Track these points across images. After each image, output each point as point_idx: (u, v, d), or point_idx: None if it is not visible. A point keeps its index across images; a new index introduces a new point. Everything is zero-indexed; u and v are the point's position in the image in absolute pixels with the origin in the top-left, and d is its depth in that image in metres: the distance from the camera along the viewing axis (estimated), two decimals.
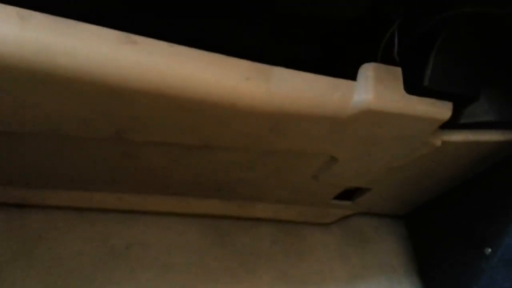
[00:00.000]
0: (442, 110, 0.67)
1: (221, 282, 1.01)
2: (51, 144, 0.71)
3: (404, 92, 0.64)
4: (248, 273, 1.03)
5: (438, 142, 0.75)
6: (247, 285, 1.02)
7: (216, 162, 0.80)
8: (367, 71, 0.64)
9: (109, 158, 0.77)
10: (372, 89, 0.63)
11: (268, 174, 0.87)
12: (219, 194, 0.97)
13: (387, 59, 0.64)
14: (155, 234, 1.01)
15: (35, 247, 0.92)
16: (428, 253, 1.10)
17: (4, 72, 0.49)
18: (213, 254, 1.03)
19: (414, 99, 0.65)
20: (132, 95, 0.55)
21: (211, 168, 0.83)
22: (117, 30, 0.52)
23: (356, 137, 0.71)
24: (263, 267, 1.05)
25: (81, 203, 0.96)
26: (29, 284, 0.89)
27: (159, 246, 1.01)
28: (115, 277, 0.94)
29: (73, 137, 0.67)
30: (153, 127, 0.64)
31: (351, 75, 0.64)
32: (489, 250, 0.84)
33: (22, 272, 0.90)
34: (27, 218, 0.95)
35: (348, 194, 1.04)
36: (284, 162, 0.81)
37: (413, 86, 0.65)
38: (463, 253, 0.96)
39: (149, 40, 0.53)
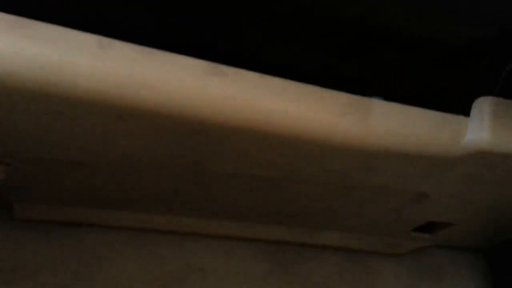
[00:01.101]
0: None
1: None
2: (118, 170, 0.66)
3: None
4: None
5: None
6: None
7: (291, 193, 0.72)
8: (483, 105, 0.54)
9: (178, 184, 0.72)
10: (489, 127, 0.54)
11: (345, 205, 0.78)
12: (286, 220, 0.90)
13: (507, 93, 0.55)
14: (215, 260, 0.95)
15: (91, 269, 0.88)
16: None
17: (81, 105, 0.43)
18: (274, 283, 0.96)
19: None
20: (219, 130, 0.48)
21: (285, 198, 0.76)
22: (204, 60, 0.45)
23: (458, 176, 0.62)
24: None
25: (140, 224, 0.91)
26: None
27: (220, 272, 0.94)
28: None
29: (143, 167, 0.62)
30: (235, 160, 0.58)
31: (463, 111, 0.55)
32: None
33: None
34: (84, 238, 0.91)
35: (429, 225, 0.94)
36: (366, 196, 0.73)
37: None
38: None
39: (238, 71, 0.46)
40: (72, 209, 0.85)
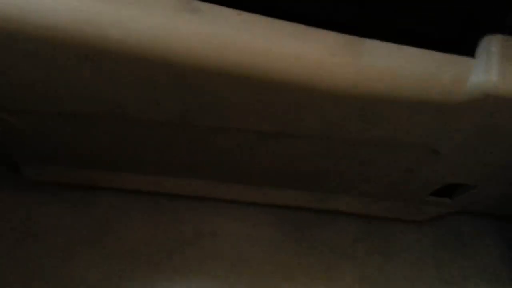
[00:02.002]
0: None
1: (295, 281, 0.92)
2: (120, 126, 0.65)
3: None
4: (327, 272, 0.93)
5: None
6: (325, 284, 0.92)
7: (294, 151, 0.69)
8: (490, 45, 0.50)
9: (178, 143, 0.70)
10: (497, 69, 0.49)
11: (354, 165, 0.75)
12: (298, 184, 0.87)
13: None
14: (227, 224, 0.94)
15: (103, 232, 0.89)
16: None
17: (51, 46, 0.42)
18: (288, 249, 0.94)
19: None
20: (195, 73, 0.46)
21: (289, 158, 0.73)
22: None
23: (468, 127, 0.57)
24: (343, 267, 0.94)
25: (151, 187, 0.90)
26: (97, 269, 0.86)
27: (231, 238, 0.93)
28: (183, 268, 0.89)
29: (139, 120, 0.60)
30: (219, 111, 0.55)
31: (468, 51, 0.50)
32: None
33: (90, 256, 0.87)
34: (96, 201, 0.91)
35: (448, 189, 0.89)
36: (374, 153, 0.69)
37: None
38: None
39: (214, 7, 0.44)
40: (81, 171, 0.86)
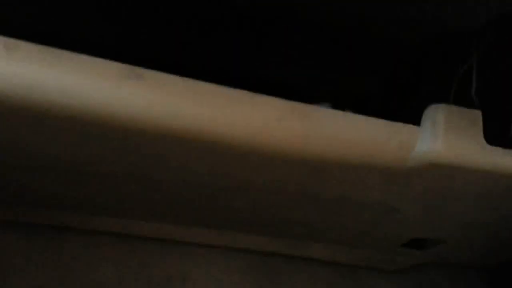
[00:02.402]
0: None
1: None
2: (79, 177, 0.66)
3: (483, 142, 0.50)
4: None
5: None
6: None
7: (257, 202, 0.70)
8: (436, 113, 0.50)
9: (141, 191, 0.71)
10: (442, 138, 0.50)
11: (320, 217, 0.75)
12: (268, 231, 0.87)
13: (461, 100, 0.51)
14: (197, 269, 0.93)
15: (71, 272, 0.89)
16: None
17: None
18: None
19: (498, 151, 0.51)
20: (138, 138, 0.47)
21: (254, 207, 0.73)
22: (119, 62, 0.44)
23: (421, 189, 0.58)
24: None
25: (121, 230, 0.90)
26: None
27: (201, 281, 0.93)
28: None
29: (95, 172, 0.61)
30: (167, 169, 0.56)
31: (413, 119, 0.51)
32: None
33: None
34: (65, 242, 0.91)
35: (421, 241, 0.89)
36: (338, 208, 0.70)
37: (497, 135, 0.50)
38: None
39: (157, 74, 0.45)
40: (53, 212, 0.86)
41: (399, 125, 0.51)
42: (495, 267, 0.96)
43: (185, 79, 0.46)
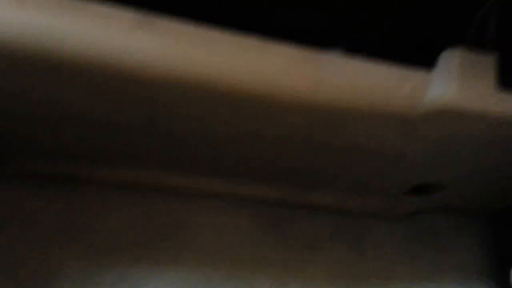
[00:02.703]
0: None
1: (271, 273, 0.93)
2: (92, 127, 0.66)
3: (495, 87, 0.50)
4: (302, 265, 0.95)
5: None
6: (301, 279, 0.94)
7: (267, 152, 0.70)
8: (450, 59, 0.50)
9: (154, 142, 0.71)
10: (455, 82, 0.49)
11: (328, 165, 0.76)
12: (275, 180, 0.88)
13: (477, 45, 0.50)
14: (206, 217, 0.95)
15: (81, 222, 0.90)
16: None
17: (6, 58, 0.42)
18: (266, 242, 0.96)
19: (509, 98, 0.50)
20: (151, 86, 0.46)
21: (264, 157, 0.74)
22: (131, 10, 0.43)
23: (431, 136, 0.58)
24: (320, 259, 0.96)
25: (130, 181, 0.91)
26: (74, 259, 0.87)
27: (209, 230, 0.95)
28: (160, 259, 0.90)
29: (109, 123, 0.61)
30: (182, 119, 0.56)
31: (428, 64, 0.50)
32: None
33: (67, 246, 0.88)
34: (77, 193, 0.92)
35: (424, 188, 0.90)
36: (346, 157, 0.70)
37: (509, 80, 0.50)
38: None
39: (169, 22, 0.44)
40: (63, 164, 0.87)
41: (412, 71, 0.50)
42: (496, 213, 0.98)
43: (197, 27, 0.45)
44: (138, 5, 0.44)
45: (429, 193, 0.89)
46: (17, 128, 0.63)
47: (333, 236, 0.98)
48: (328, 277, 0.95)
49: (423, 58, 0.51)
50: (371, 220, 0.99)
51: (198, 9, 0.47)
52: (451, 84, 0.49)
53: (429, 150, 0.64)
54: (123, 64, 0.43)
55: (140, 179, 0.91)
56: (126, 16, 0.42)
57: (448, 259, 0.99)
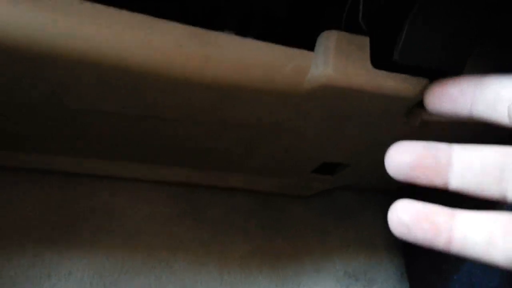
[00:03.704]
0: (416, 87, 0.57)
1: (190, 252, 0.96)
2: (2, 104, 0.65)
3: (370, 65, 0.55)
4: (220, 245, 0.98)
5: (415, 122, 0.66)
6: (218, 257, 0.97)
7: (168, 132, 0.72)
8: (327, 40, 0.54)
9: (57, 121, 0.71)
10: (332, 61, 0.54)
11: (234, 144, 0.79)
12: (188, 162, 0.91)
13: (352, 27, 0.55)
14: (121, 201, 0.96)
15: None
16: None
17: None
18: (183, 224, 0.98)
19: (382, 74, 0.56)
20: (45, 59, 0.47)
21: (169, 138, 0.76)
22: None
23: (319, 112, 0.63)
24: (236, 240, 1.00)
25: (43, 165, 0.90)
26: None
27: (125, 213, 0.96)
28: (76, 244, 0.90)
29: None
30: (83, 95, 0.57)
31: (309, 45, 0.54)
32: None
33: None
34: None
35: (331, 167, 0.96)
36: (247, 134, 0.74)
37: (382, 59, 0.55)
38: None
39: None
40: None
41: (295, 51, 0.54)
42: (401, 189, 1.05)
43: (83, 1, 0.46)
44: None
45: (336, 171, 0.95)
46: None
47: (248, 216, 1.02)
48: (245, 256, 0.99)
49: (307, 42, 0.55)
50: (284, 199, 1.04)
51: None
52: (329, 62, 0.53)
53: (323, 128, 0.68)
54: (9, 37, 0.44)
55: (53, 164, 0.90)
56: None
57: (355, 234, 1.06)
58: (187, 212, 0.99)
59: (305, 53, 0.54)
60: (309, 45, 0.56)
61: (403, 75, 0.56)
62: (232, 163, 0.90)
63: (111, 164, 0.92)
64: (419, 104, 0.60)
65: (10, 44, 0.45)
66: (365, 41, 0.55)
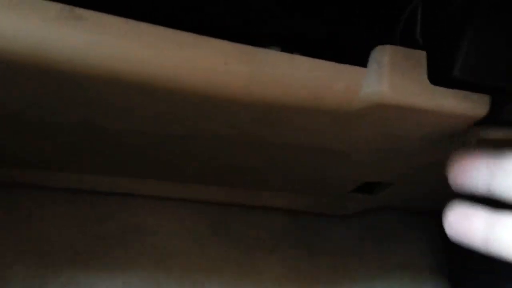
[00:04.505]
0: (477, 105, 0.53)
1: (223, 273, 0.93)
2: (27, 127, 0.63)
3: (428, 82, 0.51)
4: (254, 266, 0.95)
5: (472, 141, 0.61)
6: (251, 279, 0.94)
7: (207, 151, 0.70)
8: (381, 55, 0.50)
9: (93, 142, 0.69)
10: (387, 78, 0.50)
11: (271, 164, 0.76)
12: (221, 181, 0.88)
13: (407, 41, 0.51)
14: (154, 220, 0.94)
15: (25, 227, 0.87)
16: (461, 256, 0.97)
17: None
18: (216, 244, 0.95)
19: (441, 91, 0.52)
20: (83, 80, 0.45)
21: (205, 157, 0.73)
22: (57, 2, 0.41)
23: (368, 132, 0.59)
24: (270, 259, 0.96)
25: (75, 185, 0.89)
26: (20, 267, 0.84)
27: (159, 232, 0.93)
28: (109, 265, 0.88)
29: (45, 123, 0.59)
30: (122, 117, 0.55)
31: (360, 61, 0.51)
32: None
33: (12, 254, 0.85)
34: (18, 198, 0.89)
35: (370, 186, 0.92)
36: (289, 155, 0.70)
37: (440, 76, 0.51)
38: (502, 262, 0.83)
39: (99, 15, 0.43)
40: (1, 169, 0.84)
41: (346, 67, 0.50)
42: (442, 211, 1.00)
43: (128, 20, 0.44)
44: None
45: (376, 191, 0.91)
46: None
47: (283, 236, 0.98)
48: (280, 277, 0.95)
49: (357, 58, 0.52)
50: (320, 219, 1.00)
51: (125, 6, 0.46)
52: (383, 79, 0.49)
53: (370, 148, 0.65)
54: (51, 56, 0.42)
55: (84, 183, 0.89)
56: (53, 8, 0.41)
57: (397, 257, 1.01)
58: (220, 231, 0.96)
59: (356, 69, 0.51)
60: (360, 61, 0.52)
61: (463, 92, 0.52)
62: (267, 183, 0.87)
63: (144, 183, 0.90)
64: (477, 122, 0.56)
65: (52, 64, 0.43)
66: (422, 56, 0.51)
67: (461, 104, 0.52)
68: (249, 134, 0.60)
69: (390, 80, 0.50)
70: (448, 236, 0.47)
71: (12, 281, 0.82)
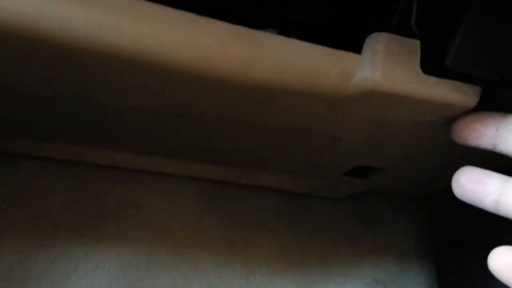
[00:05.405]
0: (468, 95, 0.54)
1: (216, 250, 0.95)
2: (29, 98, 0.64)
3: (420, 71, 0.52)
4: (245, 243, 0.97)
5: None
6: (244, 256, 0.96)
7: (205, 130, 0.71)
8: (376, 42, 0.51)
9: (91, 117, 0.70)
10: (380, 66, 0.51)
11: (267, 146, 0.77)
12: (217, 160, 0.89)
13: (402, 30, 0.52)
14: (150, 195, 0.95)
15: (21, 196, 0.88)
16: (446, 240, 0.99)
17: None
18: (210, 221, 0.97)
19: (433, 80, 0.53)
20: (79, 55, 0.46)
21: (203, 136, 0.74)
22: None
23: (361, 118, 0.60)
24: (263, 238, 0.98)
25: (74, 157, 0.90)
26: (16, 236, 0.86)
27: (153, 208, 0.95)
28: (103, 237, 0.90)
29: (47, 95, 0.60)
30: (120, 93, 0.56)
31: (356, 47, 0.52)
32: None
33: (6, 222, 0.86)
34: (18, 168, 0.90)
35: (363, 170, 0.93)
36: (282, 137, 0.71)
37: (433, 65, 0.52)
38: (488, 245, 0.86)
39: None
40: (2, 138, 0.85)
41: (341, 53, 0.51)
42: (433, 195, 1.02)
43: None
44: None
45: (368, 175, 0.93)
46: None
47: (276, 216, 1.00)
48: (271, 256, 0.97)
49: (352, 44, 0.53)
50: (313, 201, 1.01)
51: None
52: (377, 66, 0.50)
53: (362, 133, 0.66)
54: (46, 31, 0.42)
55: (81, 157, 0.90)
56: None
57: (384, 240, 1.03)
58: (215, 209, 0.97)
59: (351, 55, 0.52)
60: (355, 47, 0.53)
61: (454, 82, 0.53)
62: (263, 163, 0.88)
63: (141, 158, 0.91)
64: (467, 112, 0.57)
65: (53, 39, 0.44)
66: (416, 44, 0.52)
67: (452, 94, 0.53)
68: (243, 115, 0.61)
69: (383, 68, 0.51)
70: (455, 194, 0.52)
71: (5, 249, 0.83)
